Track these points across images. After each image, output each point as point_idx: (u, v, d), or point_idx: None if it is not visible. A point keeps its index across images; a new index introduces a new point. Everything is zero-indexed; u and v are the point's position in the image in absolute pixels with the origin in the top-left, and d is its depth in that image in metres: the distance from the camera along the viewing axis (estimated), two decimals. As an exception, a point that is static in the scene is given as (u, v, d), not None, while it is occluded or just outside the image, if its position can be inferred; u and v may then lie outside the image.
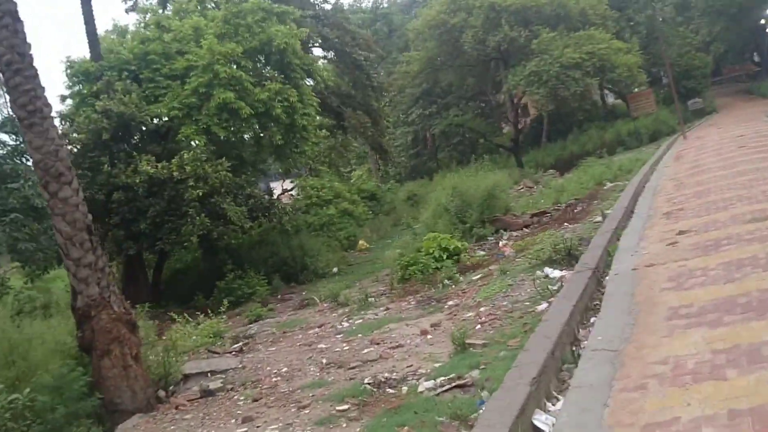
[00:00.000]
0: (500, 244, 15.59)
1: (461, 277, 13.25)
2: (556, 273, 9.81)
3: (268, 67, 21.09)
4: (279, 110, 19.72)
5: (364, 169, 53.01)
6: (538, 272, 10.23)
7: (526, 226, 18.16)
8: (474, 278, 12.62)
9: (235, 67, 19.65)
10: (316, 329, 11.98)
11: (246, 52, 20.44)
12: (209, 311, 14.41)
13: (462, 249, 15.94)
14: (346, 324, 11.86)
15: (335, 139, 34.12)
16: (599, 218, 13.51)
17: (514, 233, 17.60)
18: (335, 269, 22.51)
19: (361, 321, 11.92)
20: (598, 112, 48.56)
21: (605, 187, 20.56)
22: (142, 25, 23.16)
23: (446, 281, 13.12)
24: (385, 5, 53.51)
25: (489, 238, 17.78)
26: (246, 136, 21.50)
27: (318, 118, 23.77)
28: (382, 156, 37.14)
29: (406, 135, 51.88)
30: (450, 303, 11.35)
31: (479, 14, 36.34)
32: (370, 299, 13.92)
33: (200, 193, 17.72)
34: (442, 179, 43.50)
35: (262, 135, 20.26)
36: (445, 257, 15.63)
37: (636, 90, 42.06)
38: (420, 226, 19.92)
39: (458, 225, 18.32)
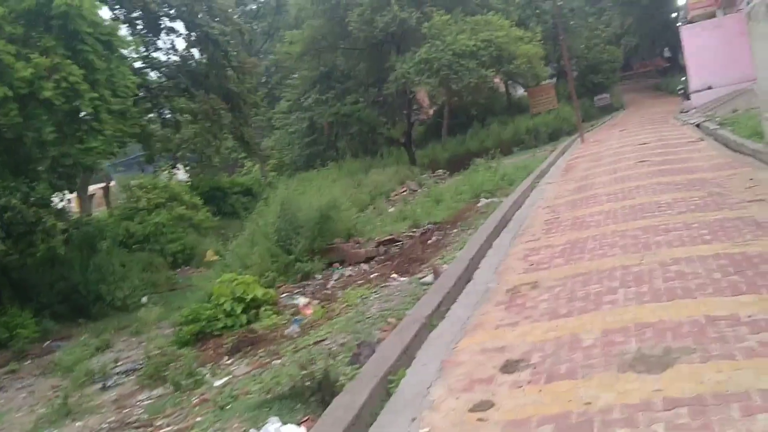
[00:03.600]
0: (300, 303, 10.75)
1: (212, 374, 8.35)
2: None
3: (49, 37, 15.53)
4: (49, 92, 14.33)
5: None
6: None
7: (369, 259, 13.54)
8: (217, 384, 7.71)
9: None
10: None
11: (16, 15, 14.93)
12: None
13: (264, 300, 11.21)
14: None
15: (199, 124, 28.74)
16: (429, 278, 8.86)
17: (349, 270, 12.98)
18: (144, 299, 17.35)
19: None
20: (502, 105, 44.60)
21: (479, 204, 16.11)
22: None
23: (184, 381, 8.16)
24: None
25: (317, 276, 13.08)
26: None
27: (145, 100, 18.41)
28: (244, 148, 31.79)
29: (301, 121, 46.55)
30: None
31: (366, -10, 31.38)
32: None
33: None
34: (332, 171, 38.86)
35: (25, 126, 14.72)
36: (239, 311, 10.96)
37: (538, 84, 37.94)
38: (228, 255, 14.89)
39: (281, 256, 13.55)
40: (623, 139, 23.25)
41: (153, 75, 29.31)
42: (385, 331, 7.16)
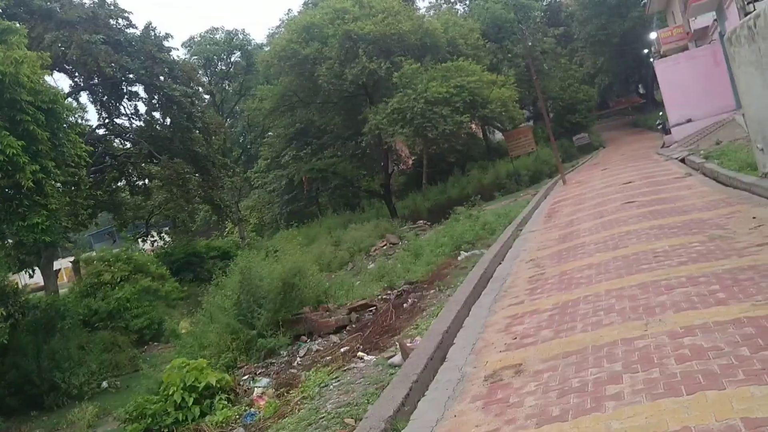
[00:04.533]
0: (255, 393, 9.29)
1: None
2: None
3: (-15, 107, 14.31)
4: (-20, 167, 13.06)
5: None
6: None
7: (341, 328, 12.18)
8: None
9: None
10: None
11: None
12: None
13: (220, 386, 9.79)
14: None
15: (168, 189, 27.47)
16: (398, 357, 7.50)
17: (317, 345, 11.62)
18: (104, 384, 15.79)
19: None
20: (481, 150, 43.77)
21: (459, 258, 14.85)
22: None
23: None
24: (241, 36, 46.97)
25: (282, 352, 11.68)
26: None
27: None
28: (215, 212, 30.45)
29: (279, 179, 45.38)
30: None
31: (334, 44, 30.44)
32: None
33: None
34: (312, 228, 37.61)
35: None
36: (190, 403, 9.53)
37: (515, 127, 37.08)
38: (183, 334, 13.40)
39: (242, 332, 12.15)
40: (606, 179, 22.18)
41: (117, 142, 28.23)
42: (339, 438, 5.80)
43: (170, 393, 9.67)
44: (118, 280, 20.18)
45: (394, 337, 9.39)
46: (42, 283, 24.13)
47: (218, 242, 33.59)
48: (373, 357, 8.49)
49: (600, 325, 6.41)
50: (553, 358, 5.83)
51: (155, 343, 19.65)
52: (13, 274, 28.71)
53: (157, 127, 25.66)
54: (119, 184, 29.29)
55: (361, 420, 5.76)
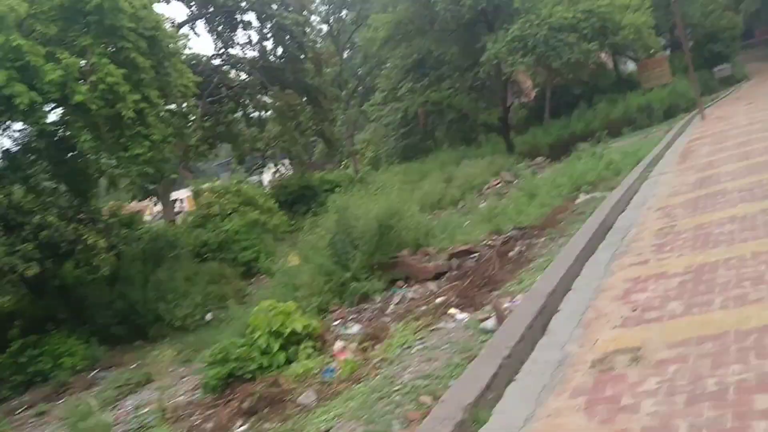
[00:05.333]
0: (335, 347, 8.50)
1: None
2: None
3: (88, 35, 13.97)
4: (82, 96, 12.79)
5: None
6: None
7: (439, 275, 11.24)
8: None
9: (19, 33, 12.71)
10: None
11: (52, 11, 13.51)
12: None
13: (307, 332, 9.20)
14: None
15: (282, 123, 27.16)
16: (490, 321, 6.40)
17: (412, 291, 10.76)
18: (209, 316, 15.75)
19: None
20: (611, 82, 40.59)
21: (577, 201, 13.42)
22: None
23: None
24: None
25: (376, 297, 10.93)
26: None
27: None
28: (327, 145, 29.81)
29: (395, 112, 44.28)
30: None
31: (451, -34, 28.50)
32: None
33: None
34: (428, 164, 36.52)
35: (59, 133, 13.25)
36: (276, 348, 9.01)
37: (650, 56, 33.82)
38: (278, 274, 12.78)
39: (336, 274, 11.49)
40: (752, 115, 19.54)
41: (233, 73, 28.06)
42: (411, 421, 4.86)
43: (256, 337, 9.15)
44: (228, 212, 20.07)
45: (493, 292, 8.31)
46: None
47: (331, 175, 33.24)
48: (467, 315, 7.45)
49: (745, 301, 5.02)
50: (682, 344, 4.56)
51: (262, 276, 19.53)
52: (139, 201, 29.74)
53: (271, 57, 25.06)
54: (236, 115, 29.28)
55: (437, 400, 4.80)
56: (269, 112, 27.76)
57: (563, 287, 6.72)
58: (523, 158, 29.10)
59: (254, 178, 35.29)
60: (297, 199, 28.96)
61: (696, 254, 6.65)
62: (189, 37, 23.99)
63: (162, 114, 14.73)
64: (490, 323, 6.42)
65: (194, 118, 17.83)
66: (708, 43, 40.37)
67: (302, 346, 8.97)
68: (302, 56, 24.41)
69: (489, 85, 40.10)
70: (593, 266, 7.35)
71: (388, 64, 43.21)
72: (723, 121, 20.33)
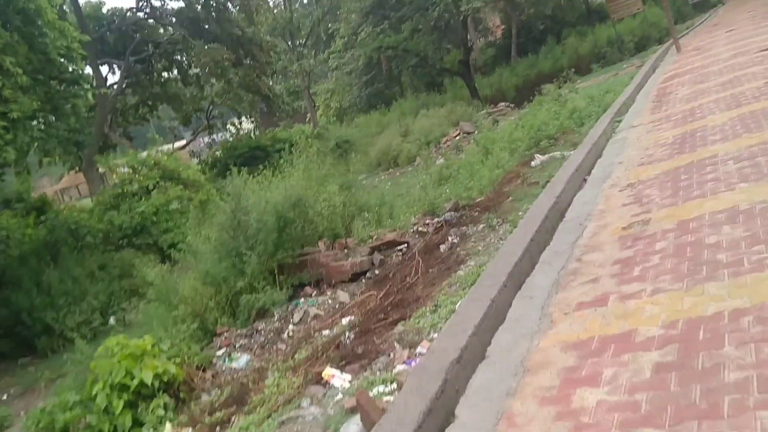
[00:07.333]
0: (166, 429, 5.96)
1: None
2: None
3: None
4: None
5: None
6: None
7: (358, 276, 8.79)
8: None
9: None
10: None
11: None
12: None
13: (164, 381, 6.76)
14: None
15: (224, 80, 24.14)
16: (355, 424, 3.91)
17: (315, 309, 8.27)
18: (112, 320, 13.23)
19: None
20: (580, 14, 37.64)
21: (533, 163, 10.92)
22: None
23: None
24: None
25: (277, 312, 8.45)
26: None
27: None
28: (265, 102, 26.84)
29: (357, 59, 41.08)
30: None
31: None
32: None
33: None
34: (391, 114, 33.68)
35: None
36: (119, 409, 6.55)
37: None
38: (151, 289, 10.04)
39: (227, 282, 8.95)
40: (734, 44, 16.84)
41: (162, 29, 24.89)
42: None
43: (95, 392, 6.67)
44: (148, 188, 17.29)
45: (397, 326, 5.83)
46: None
47: (284, 133, 30.40)
48: (345, 380, 4.93)
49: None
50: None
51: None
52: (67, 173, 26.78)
53: (197, 7, 21.91)
54: (171, 75, 26.27)
55: None
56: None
57: (475, 351, 4.18)
58: (486, 104, 26.44)
59: (203, 141, 32.26)
60: (247, 161, 26.38)
61: (682, 293, 4.08)
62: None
63: (29, 84, 11.77)
64: (353, 427, 3.89)
65: (90, 87, 14.92)
66: (680, -36, 37.34)
67: (154, 403, 6.50)
68: (227, 4, 21.27)
69: (452, 24, 37.01)
70: (524, 303, 4.77)
71: (343, 9, 40.23)
72: (702, 54, 17.60)
